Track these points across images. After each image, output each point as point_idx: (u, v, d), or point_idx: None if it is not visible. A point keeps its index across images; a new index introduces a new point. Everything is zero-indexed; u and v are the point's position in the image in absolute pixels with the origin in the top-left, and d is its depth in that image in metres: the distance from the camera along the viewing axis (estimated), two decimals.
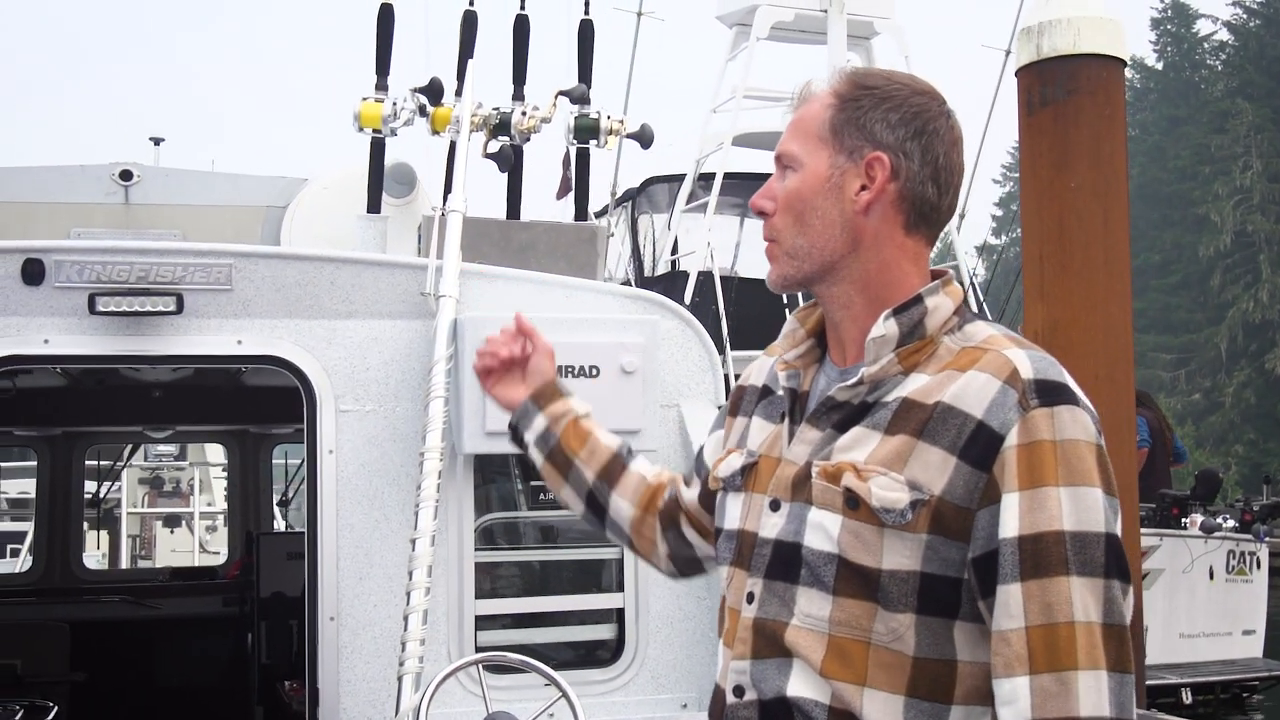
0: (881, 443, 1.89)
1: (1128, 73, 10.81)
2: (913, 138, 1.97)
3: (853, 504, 1.88)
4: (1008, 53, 16.18)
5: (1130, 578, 1.83)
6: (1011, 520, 1.80)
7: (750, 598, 1.99)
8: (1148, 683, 9.16)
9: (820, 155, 1.99)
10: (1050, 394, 1.84)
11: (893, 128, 1.96)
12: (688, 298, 14.21)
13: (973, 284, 16.83)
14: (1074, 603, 1.77)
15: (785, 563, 1.95)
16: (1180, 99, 55.84)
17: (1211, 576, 12.86)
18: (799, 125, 2.03)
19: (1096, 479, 1.82)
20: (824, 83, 2.05)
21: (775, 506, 1.99)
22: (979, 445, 1.83)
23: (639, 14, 17.99)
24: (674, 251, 16.64)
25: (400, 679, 3.85)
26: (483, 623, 4.41)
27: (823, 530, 1.90)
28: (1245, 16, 54.69)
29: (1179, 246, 51.47)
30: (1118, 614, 1.79)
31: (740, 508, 2.07)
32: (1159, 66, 58.64)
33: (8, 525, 16.46)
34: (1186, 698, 12.09)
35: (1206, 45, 57.78)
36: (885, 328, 1.94)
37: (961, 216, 17.16)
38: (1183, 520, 13.29)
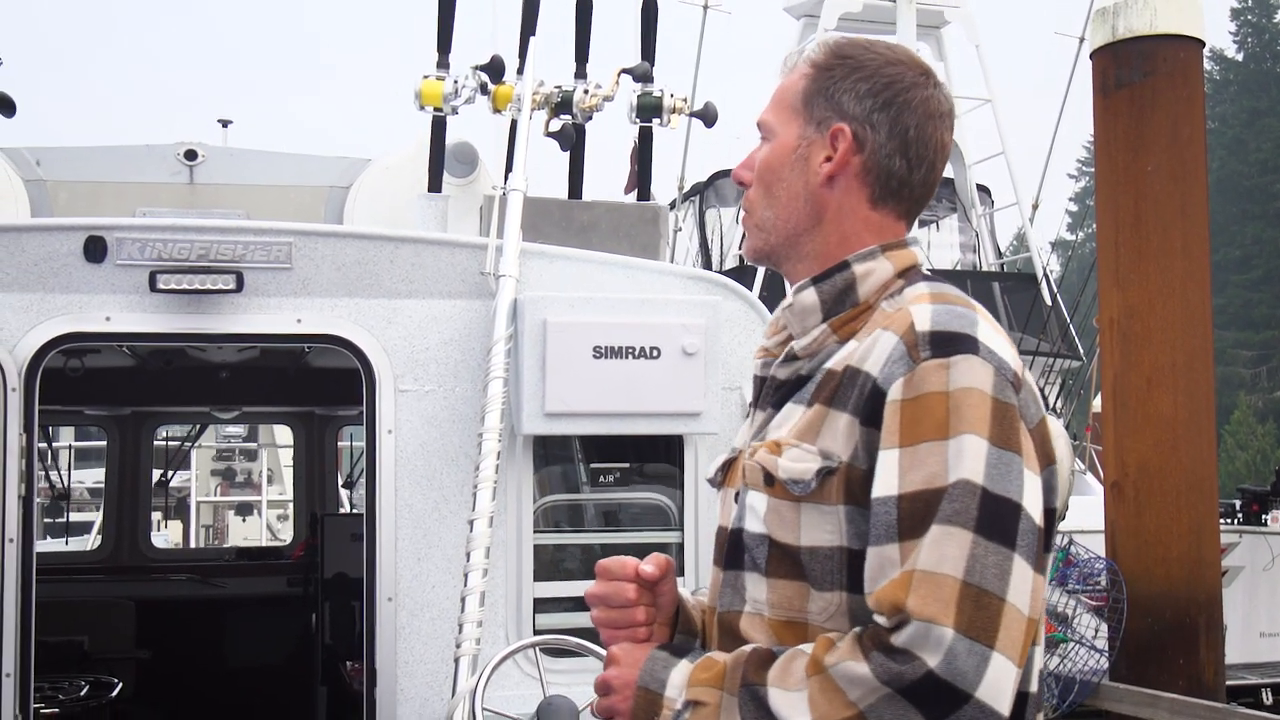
0: (802, 415, 1.83)
1: (1207, 64, 10.54)
2: (880, 109, 1.90)
3: (769, 480, 1.82)
4: (1081, 40, 15.90)
5: (1017, 546, 1.63)
6: (887, 478, 1.69)
7: (720, 594, 1.94)
8: (1227, 683, 8.94)
9: (791, 126, 1.95)
10: (944, 345, 1.72)
11: (860, 98, 1.90)
12: (756, 292, 14.12)
13: (1046, 278, 16.57)
14: (923, 550, 1.62)
15: (734, 550, 1.90)
16: (1261, 91, 54.68)
17: None
18: (777, 95, 1.99)
19: (985, 430, 1.67)
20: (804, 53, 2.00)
21: (737, 498, 1.93)
22: (871, 403, 1.74)
23: (705, 6, 17.90)
24: (741, 245, 16.56)
25: (457, 661, 3.83)
26: (541, 605, 4.38)
27: (755, 512, 1.85)
28: None
29: (1260, 241, 50.45)
30: (980, 575, 1.60)
31: (720, 506, 2.03)
32: (1239, 58, 57.46)
33: (87, 515, 16.69)
34: (1267, 698, 11.80)
35: None
36: (798, 298, 1.90)
37: (1035, 207, 16.89)
38: (1263, 516, 13.01)
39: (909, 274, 1.90)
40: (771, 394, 1.93)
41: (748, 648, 1.79)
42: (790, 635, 1.79)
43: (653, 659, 1.87)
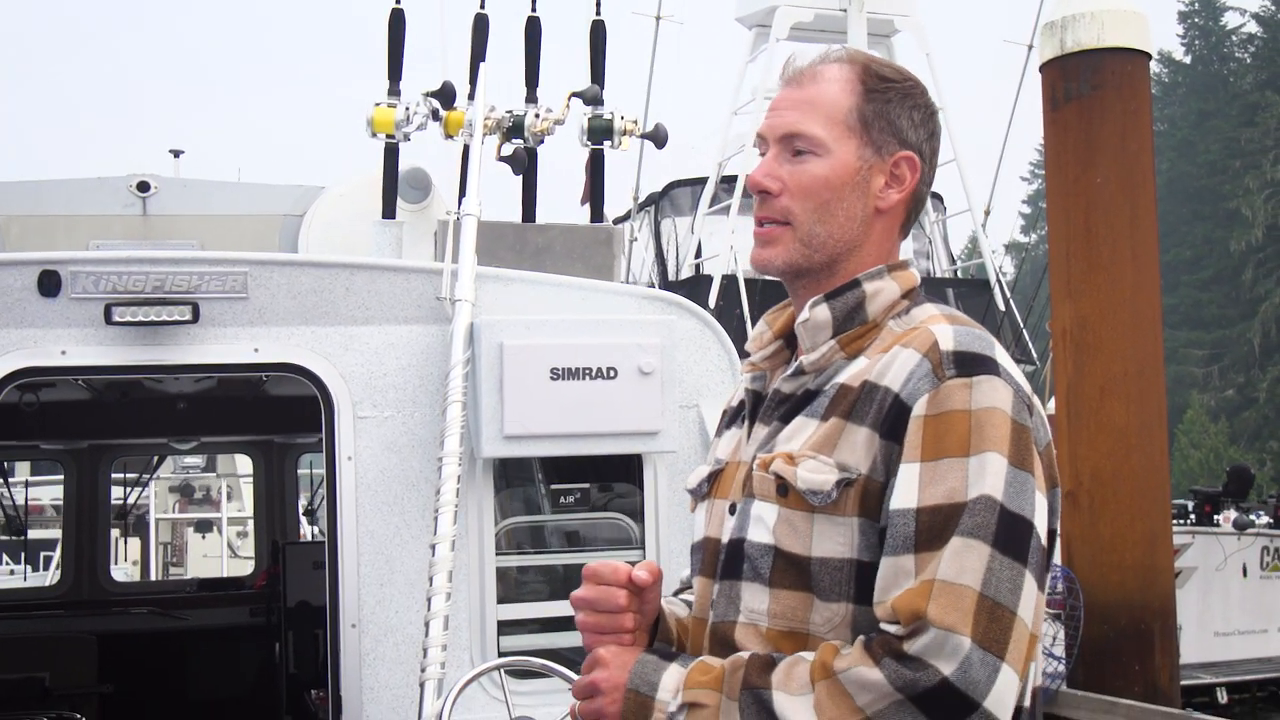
0: (817, 429, 1.84)
1: (1155, 67, 10.69)
2: (928, 139, 1.95)
3: (783, 490, 1.83)
4: (1030, 47, 16.08)
5: (1029, 563, 1.69)
6: (907, 491, 1.73)
7: (713, 605, 1.94)
8: (1182, 683, 9.07)
9: (848, 145, 1.92)
10: (968, 365, 1.77)
11: (916, 127, 1.94)
12: (712, 301, 14.19)
13: (999, 281, 16.73)
14: (944, 561, 1.67)
15: (733, 560, 1.90)
16: (1209, 92, 55.42)
17: (1245, 573, 12.75)
18: (816, 106, 1.94)
19: (1005, 449, 1.72)
20: (823, 61, 1.98)
21: (733, 510, 1.94)
22: (892, 417, 1.77)
23: (657, 17, 17.96)
24: (697, 255, 16.61)
25: (422, 685, 3.83)
26: (505, 628, 4.39)
27: (762, 522, 1.86)
28: (1274, 8, 54.29)
29: (1210, 241, 51.09)
30: (995, 588, 1.66)
31: (705, 516, 2.03)
32: (1187, 60, 58.21)
33: (47, 532, 16.48)
34: (1222, 697, 11.98)
35: (1235, 38, 57.36)
36: (813, 313, 1.91)
37: (987, 213, 17.05)
38: (1215, 517, 13.20)
39: (911, 294, 1.94)
40: (776, 407, 1.94)
41: (745, 653, 1.81)
42: (789, 645, 1.80)
43: (642, 662, 1.88)
